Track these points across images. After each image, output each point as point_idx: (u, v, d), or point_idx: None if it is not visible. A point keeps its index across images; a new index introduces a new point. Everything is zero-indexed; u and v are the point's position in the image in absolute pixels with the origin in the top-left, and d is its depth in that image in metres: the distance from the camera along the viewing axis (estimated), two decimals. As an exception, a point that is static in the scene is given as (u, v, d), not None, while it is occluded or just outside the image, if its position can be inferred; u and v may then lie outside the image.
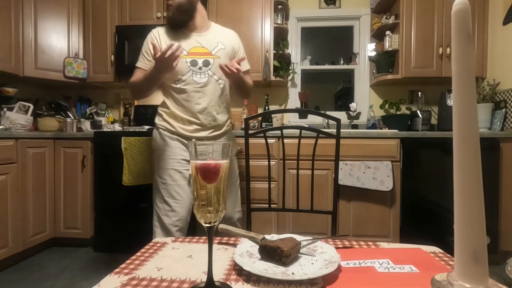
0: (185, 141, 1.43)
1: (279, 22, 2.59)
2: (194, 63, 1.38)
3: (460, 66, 0.27)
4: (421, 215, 2.06)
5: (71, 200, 2.32)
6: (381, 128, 2.51)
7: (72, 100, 2.93)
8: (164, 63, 1.19)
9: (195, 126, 1.42)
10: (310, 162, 1.17)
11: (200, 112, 1.40)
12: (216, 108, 1.44)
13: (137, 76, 1.40)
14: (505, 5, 2.24)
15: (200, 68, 1.38)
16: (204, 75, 1.39)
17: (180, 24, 1.42)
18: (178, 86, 1.39)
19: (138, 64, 1.42)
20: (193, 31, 1.43)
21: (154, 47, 1.18)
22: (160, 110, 1.48)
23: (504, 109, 2.24)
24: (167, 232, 1.36)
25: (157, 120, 1.49)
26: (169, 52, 1.16)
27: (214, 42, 1.43)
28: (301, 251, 0.63)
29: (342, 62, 2.93)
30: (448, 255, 0.64)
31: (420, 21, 2.37)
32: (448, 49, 2.34)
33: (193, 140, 1.46)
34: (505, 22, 2.25)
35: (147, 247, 0.70)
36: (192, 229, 1.73)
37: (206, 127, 1.44)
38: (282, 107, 2.77)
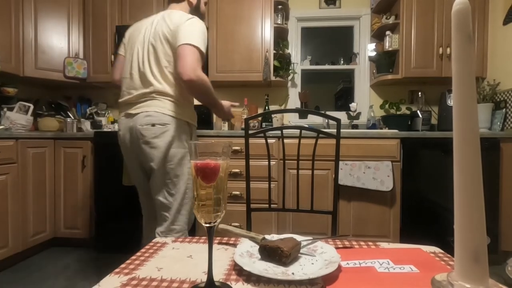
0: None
1: (279, 22, 2.59)
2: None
3: (460, 66, 0.27)
4: (421, 215, 2.06)
5: (71, 200, 2.32)
6: (381, 128, 2.51)
7: (72, 100, 2.93)
8: (226, 114, 1.50)
9: None
10: (310, 162, 1.17)
11: None
12: None
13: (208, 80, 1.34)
14: (505, 5, 2.24)
15: None
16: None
17: None
18: None
19: (203, 53, 1.29)
20: None
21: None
22: (185, 103, 1.39)
23: (504, 109, 2.24)
24: (190, 225, 1.45)
25: (193, 115, 1.44)
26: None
27: None
28: (301, 251, 0.63)
29: (342, 62, 2.93)
30: (448, 255, 0.64)
31: (420, 21, 2.37)
32: (448, 49, 2.34)
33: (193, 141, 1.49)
34: (505, 22, 2.25)
35: (147, 247, 0.70)
36: (192, 229, 1.73)
37: None
38: (282, 107, 2.77)
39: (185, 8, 1.45)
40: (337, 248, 0.68)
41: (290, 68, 2.72)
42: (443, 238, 1.77)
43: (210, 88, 1.31)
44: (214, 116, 2.84)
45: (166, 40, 1.31)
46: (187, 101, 1.39)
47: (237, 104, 1.57)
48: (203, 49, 1.27)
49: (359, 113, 2.60)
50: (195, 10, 1.48)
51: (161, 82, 1.32)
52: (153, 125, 1.30)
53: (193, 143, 0.50)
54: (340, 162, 1.89)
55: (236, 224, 2.08)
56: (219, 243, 0.73)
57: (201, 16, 1.48)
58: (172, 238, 0.76)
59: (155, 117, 1.30)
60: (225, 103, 1.50)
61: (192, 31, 1.27)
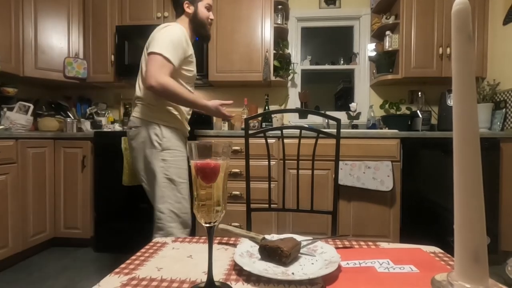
0: (185, 140, 1.55)
1: (279, 22, 2.59)
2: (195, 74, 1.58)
3: (460, 66, 0.27)
4: (421, 215, 2.06)
5: (71, 200, 2.32)
6: (381, 128, 2.51)
7: (72, 100, 2.93)
8: (218, 114, 1.48)
9: (188, 127, 1.60)
10: (310, 162, 1.17)
11: (190, 113, 1.60)
12: None
13: (175, 82, 1.34)
14: (505, 5, 2.24)
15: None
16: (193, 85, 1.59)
17: (206, 41, 1.69)
18: (189, 88, 1.51)
19: (172, 60, 1.33)
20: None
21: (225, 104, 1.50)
22: (170, 109, 1.45)
23: (504, 109, 2.24)
24: (186, 227, 1.46)
25: (165, 117, 1.45)
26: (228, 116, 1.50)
27: None
28: (301, 251, 0.63)
29: (342, 62, 2.93)
30: (448, 255, 0.64)
31: (420, 21, 2.37)
32: (448, 49, 2.34)
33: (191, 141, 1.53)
34: (505, 22, 2.25)
35: (147, 247, 0.70)
36: (192, 229, 1.73)
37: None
38: (282, 107, 2.77)
39: (184, 20, 1.50)
40: (337, 248, 0.68)
41: (290, 68, 2.72)
42: (443, 238, 1.77)
43: (176, 92, 1.33)
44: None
45: (146, 49, 1.43)
46: (163, 105, 1.43)
47: (229, 102, 1.54)
48: (169, 55, 1.31)
49: (359, 113, 2.60)
50: (194, 19, 1.50)
51: (140, 88, 1.44)
52: (130, 128, 1.46)
53: (193, 143, 0.50)
54: (340, 162, 1.89)
55: (236, 224, 2.08)
56: (219, 243, 0.73)
57: (202, 23, 1.51)
58: (172, 238, 0.76)
59: (132, 121, 1.45)
60: (214, 102, 1.50)
61: (160, 39, 1.34)
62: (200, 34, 1.54)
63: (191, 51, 1.45)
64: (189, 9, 1.48)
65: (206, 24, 1.52)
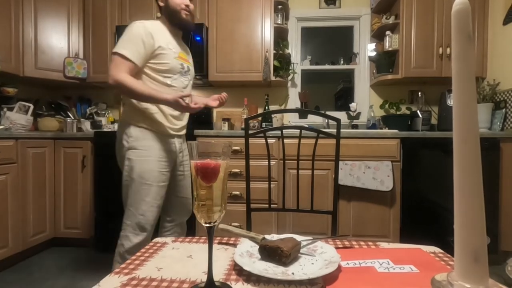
0: (170, 140, 1.48)
1: (279, 22, 2.59)
2: (182, 66, 1.49)
3: (460, 66, 0.27)
4: (421, 215, 2.06)
5: (71, 200, 2.32)
6: (381, 128, 2.51)
7: (72, 100, 2.93)
8: (178, 107, 1.32)
9: (180, 124, 1.52)
10: (310, 162, 1.17)
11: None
12: None
13: (131, 78, 1.32)
14: (505, 5, 2.24)
15: (185, 72, 1.51)
16: (186, 78, 1.53)
17: (187, 30, 1.54)
18: (169, 82, 1.44)
19: (129, 56, 1.32)
20: (175, 36, 1.51)
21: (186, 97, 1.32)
22: (139, 105, 1.41)
23: (504, 109, 2.24)
24: (142, 230, 1.42)
25: (136, 116, 1.42)
26: (192, 107, 1.32)
27: (188, 52, 1.60)
28: (301, 251, 0.63)
29: (342, 62, 2.93)
30: (448, 255, 0.64)
31: (420, 21, 2.37)
32: (448, 49, 2.34)
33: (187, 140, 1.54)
34: (505, 22, 2.25)
35: (147, 247, 0.70)
36: (192, 229, 1.73)
37: (184, 126, 1.56)
38: (282, 107, 2.77)
39: (162, 16, 1.49)
40: (337, 248, 0.68)
41: (290, 68, 2.72)
42: (443, 238, 1.77)
43: (131, 88, 1.30)
44: (214, 116, 2.85)
45: None
46: (136, 104, 1.42)
47: (188, 94, 1.35)
48: (125, 52, 1.32)
49: (359, 113, 2.60)
50: (166, 10, 1.45)
51: None
52: None
53: (193, 143, 0.50)
54: (340, 162, 1.89)
55: (236, 224, 2.08)
56: (219, 243, 0.73)
57: (174, 11, 1.43)
58: (172, 238, 0.76)
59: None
60: (173, 95, 1.34)
61: (120, 39, 1.37)
62: (177, 23, 1.46)
63: (159, 43, 1.38)
64: (161, 2, 1.46)
65: (177, 11, 1.43)
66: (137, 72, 1.39)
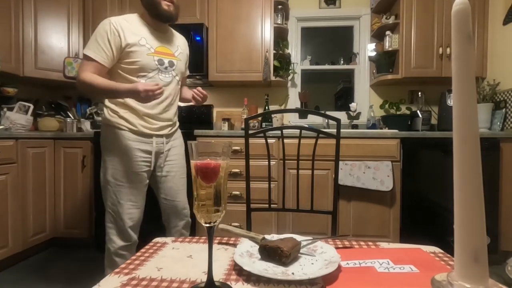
0: (146, 140, 1.40)
1: (279, 22, 2.59)
2: (161, 62, 1.40)
3: (460, 66, 0.27)
4: (421, 215, 2.06)
5: (71, 200, 2.31)
6: (381, 128, 2.51)
7: (72, 100, 2.93)
8: (146, 98, 1.21)
9: (159, 124, 1.43)
10: (310, 162, 1.17)
11: (163, 109, 1.43)
12: (174, 107, 1.51)
13: (92, 75, 1.27)
14: (505, 5, 2.24)
15: (166, 68, 1.41)
16: (168, 75, 1.43)
17: (169, 21, 1.44)
18: (143, 81, 1.34)
19: (93, 56, 1.28)
20: (157, 29, 1.42)
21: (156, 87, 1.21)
22: (113, 105, 1.38)
23: (504, 109, 2.24)
24: (122, 233, 1.39)
25: (110, 117, 1.38)
26: (156, 92, 1.20)
27: (175, 45, 1.49)
28: (301, 251, 0.63)
29: (342, 62, 2.93)
30: (448, 255, 0.64)
31: (420, 21, 2.37)
32: (448, 49, 2.34)
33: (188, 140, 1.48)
34: (505, 22, 2.25)
35: (147, 247, 0.70)
36: (192, 229, 1.73)
37: (166, 125, 1.47)
38: (282, 107, 2.77)
39: (143, 10, 1.41)
40: (337, 248, 0.68)
41: (290, 68, 2.72)
42: (443, 238, 1.77)
43: (91, 85, 1.26)
44: (214, 116, 2.85)
45: None
46: (107, 104, 1.40)
47: (155, 85, 1.22)
48: (89, 52, 1.30)
49: (359, 113, 2.60)
50: (145, 2, 1.38)
51: None
52: None
53: (193, 143, 0.50)
54: (340, 162, 1.89)
55: (236, 224, 2.08)
56: (219, 243, 0.73)
57: (154, 3, 1.35)
58: (172, 238, 0.76)
59: None
60: (132, 85, 1.25)
61: (90, 39, 1.35)
62: (157, 15, 1.37)
63: (127, 40, 1.31)
64: None
65: (157, 2, 1.34)
66: (109, 73, 1.35)
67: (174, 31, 1.54)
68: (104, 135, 1.41)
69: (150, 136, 1.41)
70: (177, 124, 1.58)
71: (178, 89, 1.52)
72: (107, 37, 1.29)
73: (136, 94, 1.22)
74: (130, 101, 1.36)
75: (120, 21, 1.33)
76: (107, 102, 1.40)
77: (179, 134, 1.59)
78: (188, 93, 1.61)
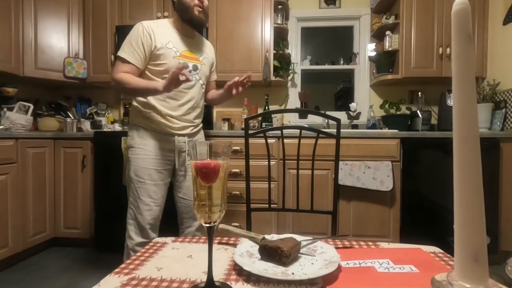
0: (169, 138, 1.46)
1: (279, 22, 2.59)
2: (185, 65, 1.40)
3: (460, 66, 0.27)
4: (421, 215, 2.06)
5: (71, 200, 2.31)
6: (381, 128, 2.51)
7: (72, 100, 2.93)
8: (172, 85, 1.24)
9: (181, 123, 1.47)
10: (310, 162, 1.17)
11: (185, 111, 1.48)
12: (197, 110, 1.55)
13: (127, 75, 1.34)
14: (505, 5, 2.24)
15: (190, 71, 1.46)
16: (192, 78, 1.46)
17: (200, 27, 1.50)
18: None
19: (127, 57, 1.35)
20: (185, 35, 1.48)
21: (182, 68, 1.18)
22: (139, 106, 1.44)
23: (504, 109, 2.24)
24: (141, 230, 1.42)
25: (135, 117, 1.47)
26: (184, 77, 1.19)
27: (200, 49, 1.54)
28: (301, 251, 0.63)
29: (342, 62, 2.93)
30: (448, 255, 0.64)
31: (420, 21, 2.37)
32: (448, 49, 2.34)
33: (188, 139, 1.52)
34: (505, 22, 2.25)
35: (147, 247, 0.70)
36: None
37: (188, 125, 1.51)
38: (282, 107, 2.77)
39: (175, 15, 1.46)
40: (337, 248, 0.68)
41: (290, 68, 2.72)
42: (443, 238, 1.77)
43: (126, 84, 1.33)
44: (214, 116, 2.85)
45: None
46: (135, 104, 1.46)
47: (182, 68, 1.19)
48: (123, 54, 1.36)
49: (359, 113, 2.60)
50: (178, 7, 1.41)
51: None
52: None
53: (193, 143, 0.50)
54: (340, 162, 1.89)
55: (236, 224, 2.08)
56: (219, 243, 0.73)
57: (185, 6, 1.38)
58: (172, 238, 0.76)
59: None
60: (161, 83, 1.29)
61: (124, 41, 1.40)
62: (188, 20, 1.42)
63: (156, 43, 1.36)
64: None
65: (189, 6, 1.38)
66: (141, 75, 1.41)
67: (202, 38, 1.60)
68: (130, 134, 1.48)
69: (172, 135, 1.46)
70: (200, 125, 1.62)
71: (202, 92, 1.56)
72: (140, 40, 1.36)
73: (169, 78, 1.21)
74: (154, 102, 1.42)
75: (151, 25, 1.40)
76: (133, 103, 1.47)
77: (201, 135, 1.64)
78: (220, 90, 1.59)
